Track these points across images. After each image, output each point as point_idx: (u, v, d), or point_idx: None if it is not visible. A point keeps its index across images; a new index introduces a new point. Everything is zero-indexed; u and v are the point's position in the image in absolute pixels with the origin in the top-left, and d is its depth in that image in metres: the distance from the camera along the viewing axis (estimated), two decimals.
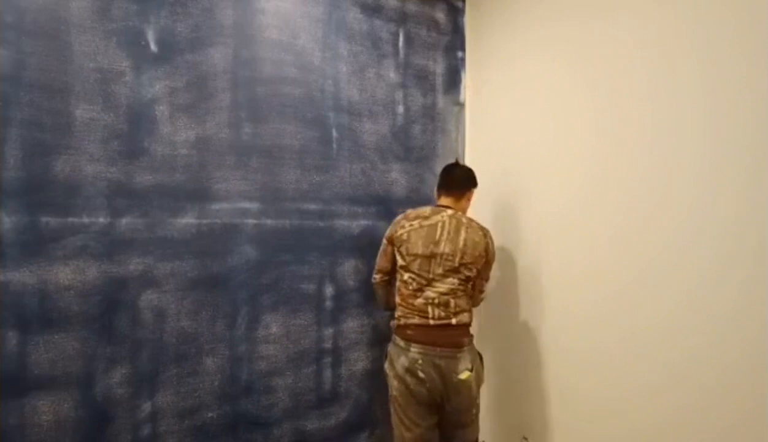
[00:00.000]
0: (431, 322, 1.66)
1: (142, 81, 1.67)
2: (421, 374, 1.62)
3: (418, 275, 1.69)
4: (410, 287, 1.70)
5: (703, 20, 1.28)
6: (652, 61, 1.41)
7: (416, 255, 1.69)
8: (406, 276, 1.72)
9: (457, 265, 1.67)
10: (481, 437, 1.80)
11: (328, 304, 2.02)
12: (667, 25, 1.37)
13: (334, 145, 2.02)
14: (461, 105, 2.34)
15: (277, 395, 1.91)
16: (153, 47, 1.69)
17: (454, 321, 1.66)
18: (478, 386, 1.71)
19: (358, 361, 2.08)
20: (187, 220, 1.75)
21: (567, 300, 1.73)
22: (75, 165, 1.58)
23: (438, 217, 1.72)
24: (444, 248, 1.67)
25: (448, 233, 1.69)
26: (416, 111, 2.22)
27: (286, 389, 1.93)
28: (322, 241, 2.00)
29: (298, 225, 1.95)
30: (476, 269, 1.72)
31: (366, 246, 2.06)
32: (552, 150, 1.80)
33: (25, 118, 1.51)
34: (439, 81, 2.28)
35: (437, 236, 1.69)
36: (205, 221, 1.78)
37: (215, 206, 1.79)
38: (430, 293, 1.67)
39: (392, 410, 1.72)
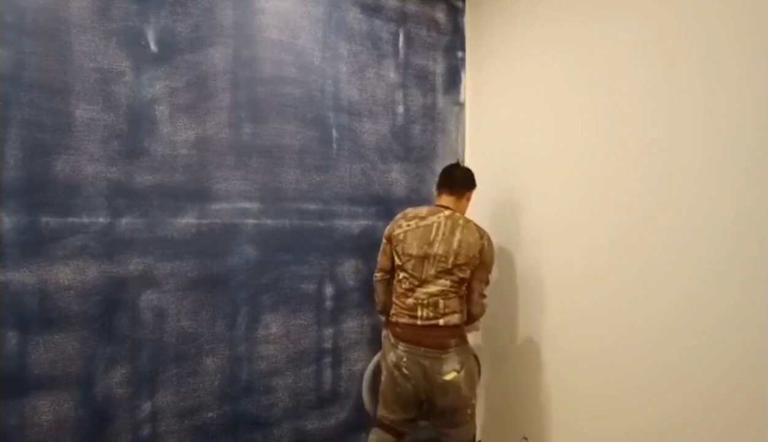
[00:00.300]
0: (419, 322, 1.67)
1: (142, 81, 1.67)
2: (406, 371, 1.65)
3: (412, 275, 1.69)
4: (403, 286, 1.71)
5: (703, 20, 1.28)
6: (652, 61, 1.41)
7: (411, 256, 1.69)
8: (401, 275, 1.73)
9: (450, 266, 1.67)
10: (481, 437, 1.80)
11: (328, 304, 2.02)
12: (667, 25, 1.37)
13: (334, 145, 2.02)
14: (461, 105, 2.34)
15: (277, 395, 1.92)
16: (153, 47, 1.69)
17: (441, 322, 1.66)
18: (471, 387, 1.70)
19: (358, 361, 2.08)
20: (187, 220, 1.75)
21: (567, 300, 1.73)
22: (75, 165, 1.58)
23: (434, 218, 1.72)
24: (438, 249, 1.67)
25: (443, 234, 1.69)
26: (416, 111, 2.22)
27: (286, 389, 1.93)
28: (322, 241, 2.00)
29: (298, 225, 1.95)
30: (470, 270, 1.70)
31: (366, 246, 2.06)
32: (552, 150, 1.80)
33: (25, 118, 1.51)
34: (439, 81, 2.28)
35: (432, 237, 1.69)
36: (205, 221, 1.78)
37: (215, 206, 1.79)
38: (420, 293, 1.68)
39: (380, 387, 1.77)
